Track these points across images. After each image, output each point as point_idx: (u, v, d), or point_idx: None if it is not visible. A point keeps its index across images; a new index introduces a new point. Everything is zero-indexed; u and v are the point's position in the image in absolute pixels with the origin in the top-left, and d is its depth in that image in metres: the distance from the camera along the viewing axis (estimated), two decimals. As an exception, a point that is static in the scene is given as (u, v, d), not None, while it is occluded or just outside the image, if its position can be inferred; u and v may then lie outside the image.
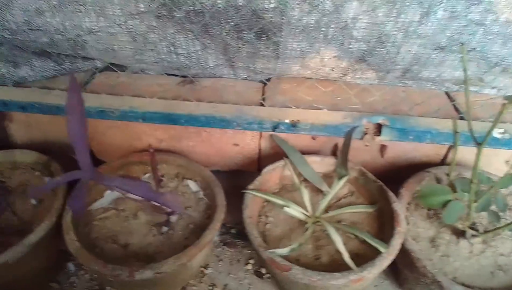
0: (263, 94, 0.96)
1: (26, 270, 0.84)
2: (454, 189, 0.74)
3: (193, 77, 1.02)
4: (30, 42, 0.87)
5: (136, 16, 0.82)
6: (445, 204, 0.72)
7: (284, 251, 0.75)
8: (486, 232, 0.76)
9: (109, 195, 0.90)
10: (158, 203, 0.60)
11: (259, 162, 1.04)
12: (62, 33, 0.84)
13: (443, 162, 0.99)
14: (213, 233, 0.81)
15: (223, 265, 1.04)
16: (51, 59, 0.94)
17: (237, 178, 1.08)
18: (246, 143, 0.99)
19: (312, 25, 0.79)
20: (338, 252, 0.77)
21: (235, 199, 0.87)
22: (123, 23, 0.82)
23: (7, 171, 0.94)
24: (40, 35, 0.85)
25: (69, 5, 0.79)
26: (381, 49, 0.83)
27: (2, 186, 0.77)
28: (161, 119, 0.90)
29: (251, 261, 1.04)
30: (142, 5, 0.80)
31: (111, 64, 0.97)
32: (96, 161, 1.10)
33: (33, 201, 0.88)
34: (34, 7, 0.79)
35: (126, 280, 0.74)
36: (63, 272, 1.01)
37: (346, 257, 0.73)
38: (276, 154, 1.00)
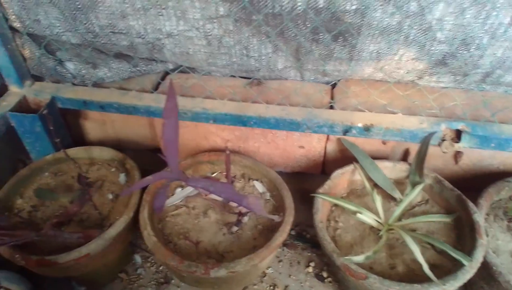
0: (332, 97, 0.95)
1: (104, 262, 0.88)
2: None
3: (260, 79, 1.03)
4: (111, 45, 0.92)
5: (215, 20, 0.84)
6: None
7: (359, 258, 0.73)
8: None
9: (180, 193, 0.93)
10: (242, 205, 0.61)
11: (324, 165, 1.03)
12: (143, 36, 0.88)
13: (524, 172, 0.93)
14: (283, 236, 0.81)
15: (283, 266, 1.04)
16: (127, 61, 0.98)
17: (298, 180, 1.08)
18: (312, 145, 0.98)
19: (393, 27, 0.77)
20: (414, 262, 0.75)
21: (296, 201, 0.87)
22: (201, 27, 0.84)
23: (85, 166, 1.00)
24: (121, 38, 0.89)
25: (152, 9, 0.82)
26: (464, 52, 0.79)
27: (87, 181, 0.82)
28: (231, 121, 0.91)
29: (312, 264, 1.04)
30: (222, 9, 0.81)
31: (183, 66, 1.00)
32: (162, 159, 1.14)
33: (110, 196, 0.93)
34: (119, 11, 0.83)
35: (200, 276, 0.76)
36: (131, 264, 1.05)
37: (426, 268, 0.71)
38: (342, 158, 0.99)
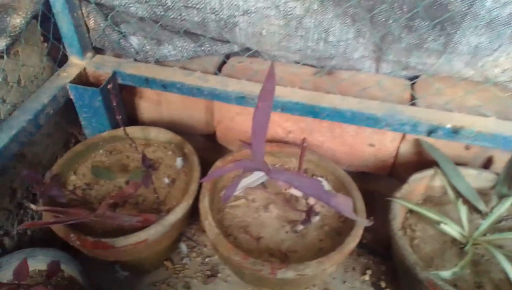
0: (412, 93, 0.87)
1: (157, 249, 0.84)
2: None
3: (331, 68, 0.96)
4: (180, 21, 0.86)
5: (299, -3, 0.77)
6: None
7: (446, 274, 0.66)
8: None
9: (240, 183, 0.87)
10: (330, 205, 0.55)
11: (392, 167, 0.96)
12: (216, 13, 0.82)
13: None
14: (356, 241, 0.74)
15: (337, 271, 0.97)
16: (192, 40, 0.93)
17: (361, 180, 1.01)
18: (383, 144, 0.91)
19: (502, 19, 0.68)
20: (503, 281, 0.67)
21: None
22: (283, 4, 0.77)
23: (140, 147, 0.95)
24: (193, 14, 0.83)
25: (231, -18, 0.76)
26: None
27: (151, 164, 0.77)
28: (301, 111, 0.85)
29: (369, 272, 0.97)
30: (309, -14, 0.74)
31: (246, 49, 0.94)
32: (217, 146, 1.08)
33: (166, 180, 0.88)
34: (195, -17, 0.78)
35: (265, 276, 0.70)
36: (176, 252, 1.01)
37: (524, 292, 0.63)
38: (416, 161, 0.91)
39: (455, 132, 0.77)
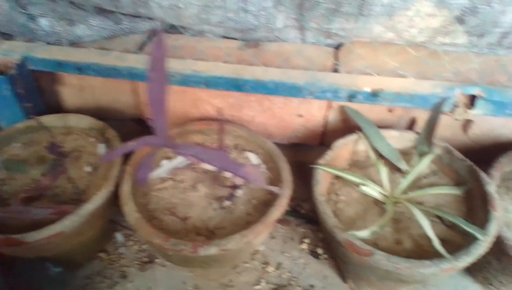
0: (336, 60, 0.87)
1: (80, 241, 0.80)
2: None
3: (257, 41, 0.94)
4: (88, -4, 0.81)
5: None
6: None
7: (364, 233, 0.67)
8: None
9: (167, 165, 0.85)
10: (238, 175, 0.54)
11: (323, 136, 0.96)
12: (124, -15, 0.77)
13: (537, 143, 0.87)
14: (280, 210, 0.74)
15: (276, 242, 0.97)
16: (109, 18, 0.88)
17: (294, 152, 1.01)
18: (311, 114, 0.90)
19: (407, -23, 0.69)
20: (422, 237, 0.69)
21: (292, 174, 0.79)
22: (192, -27, 0.74)
23: (60, 136, 0.90)
24: (99, -13, 0.78)
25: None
26: (485, 7, 0.71)
27: (60, 151, 0.72)
28: (225, 85, 0.82)
29: (306, 241, 0.97)
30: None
31: (172, 26, 0.90)
32: (145, 130, 1.04)
33: (88, 168, 0.84)
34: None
35: (188, 255, 0.69)
36: (111, 243, 0.97)
37: (437, 243, 0.65)
38: (345, 128, 0.91)
39: (374, 95, 0.78)
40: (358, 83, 0.78)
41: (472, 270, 0.90)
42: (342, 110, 0.88)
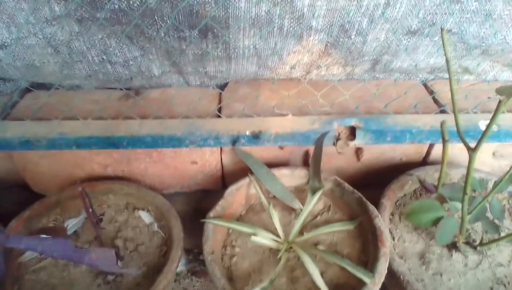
0: (219, 103, 0.84)
1: None
2: (442, 200, 0.63)
3: (138, 89, 0.88)
4: None
5: (53, 22, 0.67)
6: (436, 221, 0.61)
7: (254, 292, 0.62)
8: (483, 244, 0.66)
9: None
10: (85, 264, 0.47)
11: (224, 179, 0.92)
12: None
13: (425, 161, 0.89)
14: (168, 277, 0.68)
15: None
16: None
17: (197, 199, 0.96)
18: (205, 160, 0.86)
19: (263, 17, 0.67)
20: (315, 285, 0.66)
21: (197, 222, 0.74)
22: (39, 31, 0.67)
23: None
24: None
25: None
26: (346, 39, 0.71)
27: None
28: (98, 144, 0.76)
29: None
30: (57, 8, 0.65)
31: (40, 83, 0.82)
32: (35, 195, 0.94)
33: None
34: None
35: None
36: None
37: (326, 291, 0.62)
38: (242, 169, 0.88)
39: (255, 137, 0.75)
40: (238, 127, 0.75)
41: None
42: (234, 152, 0.84)
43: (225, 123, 0.76)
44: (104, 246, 0.70)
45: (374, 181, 0.87)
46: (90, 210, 0.64)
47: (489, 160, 0.89)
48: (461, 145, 0.57)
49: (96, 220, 0.67)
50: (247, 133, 0.75)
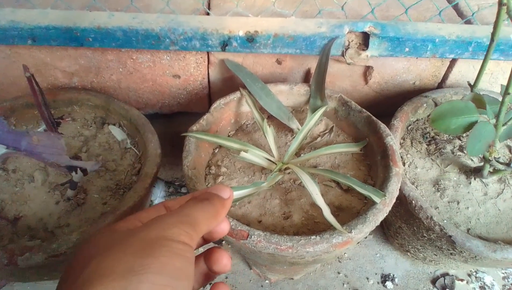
0: (208, 3, 0.70)
1: None
2: (479, 102, 0.52)
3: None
4: None
5: None
6: (468, 127, 0.51)
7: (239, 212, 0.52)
8: None
9: (-7, 151, 0.63)
10: (21, 151, 0.36)
11: (210, 100, 0.80)
12: None
13: (441, 86, 0.78)
14: (140, 194, 0.57)
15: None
16: None
17: (183, 123, 0.84)
18: (189, 73, 0.73)
19: None
20: (314, 206, 0.56)
21: (179, 149, 0.63)
22: None
23: None
24: None
25: None
26: None
27: None
28: (59, 38, 0.62)
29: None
30: None
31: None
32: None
33: None
34: None
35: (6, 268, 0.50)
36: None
37: (327, 212, 0.52)
38: (232, 87, 0.76)
39: (250, 40, 0.63)
40: (230, 26, 0.62)
41: (388, 237, 0.82)
42: (225, 67, 0.72)
43: (214, 20, 0.63)
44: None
45: (382, 110, 0.77)
46: (41, 100, 0.51)
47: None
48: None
49: (51, 120, 0.55)
50: (241, 33, 0.62)
